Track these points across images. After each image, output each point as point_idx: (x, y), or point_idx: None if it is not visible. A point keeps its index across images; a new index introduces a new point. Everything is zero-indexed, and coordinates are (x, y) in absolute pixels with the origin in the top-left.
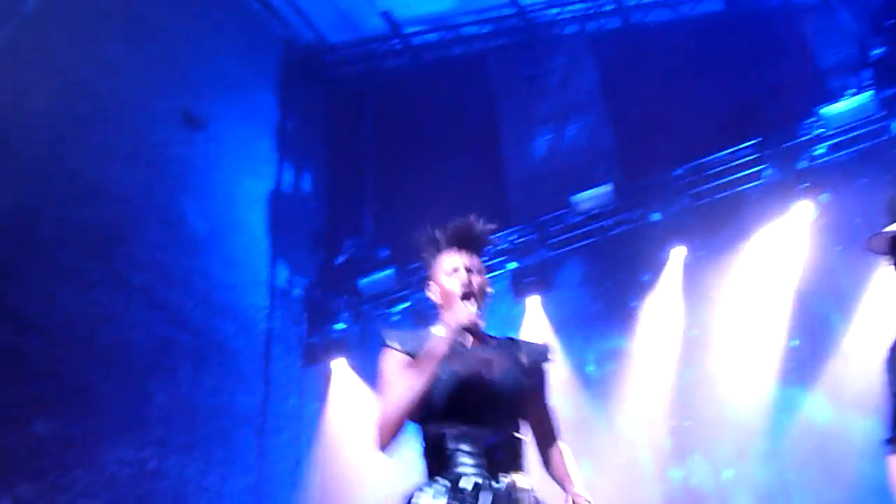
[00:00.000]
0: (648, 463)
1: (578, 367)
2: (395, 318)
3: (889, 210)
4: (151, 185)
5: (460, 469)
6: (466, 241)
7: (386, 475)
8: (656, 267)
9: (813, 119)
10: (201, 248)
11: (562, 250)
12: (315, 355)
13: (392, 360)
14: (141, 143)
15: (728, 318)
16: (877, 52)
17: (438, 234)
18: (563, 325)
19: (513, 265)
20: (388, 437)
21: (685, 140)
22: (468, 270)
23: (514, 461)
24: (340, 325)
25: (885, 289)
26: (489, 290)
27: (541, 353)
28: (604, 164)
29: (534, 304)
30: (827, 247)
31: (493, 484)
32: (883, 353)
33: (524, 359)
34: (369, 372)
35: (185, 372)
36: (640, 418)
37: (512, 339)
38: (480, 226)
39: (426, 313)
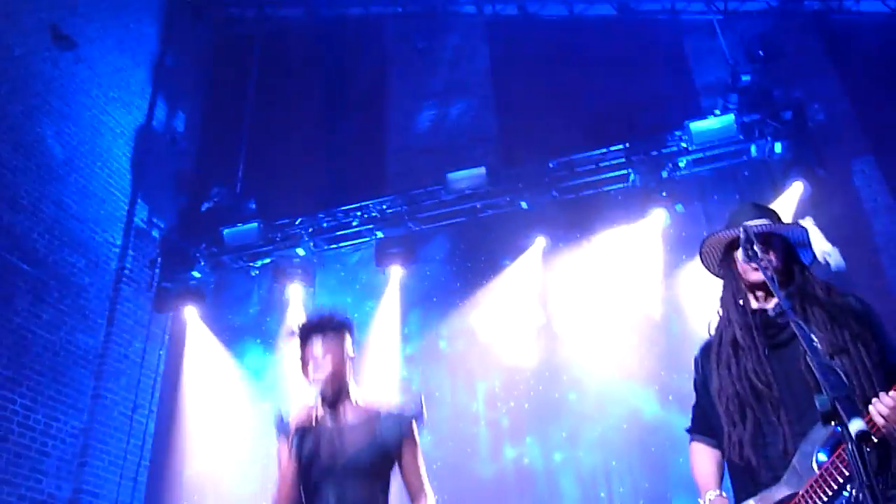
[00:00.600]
0: (486, 440)
1: (431, 341)
2: (255, 272)
3: (729, 224)
4: (8, 101)
5: None
6: (320, 330)
7: (223, 431)
8: (517, 253)
9: (681, 133)
10: (56, 176)
11: (430, 226)
12: (166, 301)
13: (279, 453)
14: (0, 53)
15: (577, 309)
16: (745, 78)
17: (298, 328)
18: (422, 298)
19: (379, 234)
20: None
21: (562, 134)
22: (319, 358)
23: None
24: (196, 274)
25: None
26: (348, 356)
27: (402, 428)
28: (482, 147)
29: (396, 275)
30: (673, 254)
31: None
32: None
33: (388, 433)
34: (220, 324)
35: (23, 303)
36: (483, 396)
37: (390, 416)
38: (324, 316)
39: (287, 270)
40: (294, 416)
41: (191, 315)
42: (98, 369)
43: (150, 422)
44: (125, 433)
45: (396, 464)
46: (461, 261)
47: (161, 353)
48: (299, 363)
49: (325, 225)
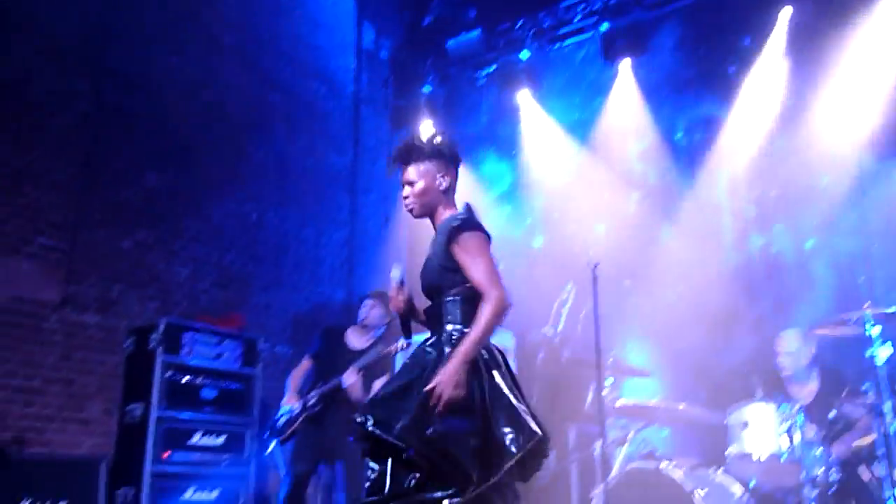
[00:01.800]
0: (730, 230)
1: (666, 134)
2: (482, 81)
3: None
4: None
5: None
6: (405, 157)
7: None
8: (760, 30)
9: None
10: (286, 10)
11: (659, 11)
12: (403, 118)
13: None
14: None
15: (831, 87)
16: None
17: (393, 154)
18: (654, 90)
19: (604, 26)
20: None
21: None
22: (408, 184)
23: (438, 321)
24: (426, 89)
25: None
26: (438, 183)
27: (442, 237)
28: None
29: (625, 69)
30: None
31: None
32: None
33: (434, 247)
34: (454, 134)
35: (279, 131)
36: (726, 186)
37: (447, 220)
38: (417, 140)
39: (512, 76)
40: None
41: (426, 128)
42: (351, 186)
43: (401, 230)
44: (380, 241)
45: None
46: (695, 46)
47: None
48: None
49: (546, 24)
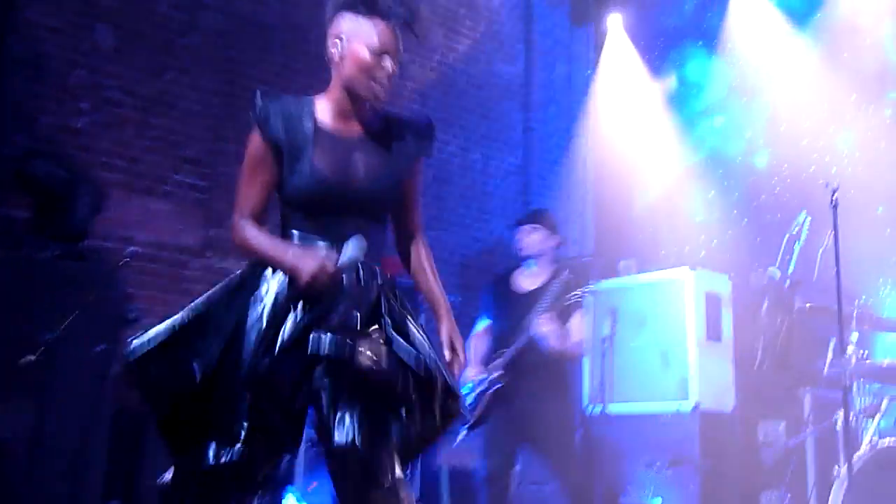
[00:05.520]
0: None
1: None
2: None
3: None
4: None
5: None
6: (409, 20)
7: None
8: None
9: None
10: None
11: None
12: (585, 11)
13: (251, 150)
14: None
15: None
16: None
17: None
18: None
19: None
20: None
21: None
22: (391, 56)
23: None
24: None
25: None
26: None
27: (421, 141)
28: None
29: None
30: None
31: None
32: None
33: (400, 147)
34: (651, 30)
35: (438, 38)
36: None
37: (396, 119)
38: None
39: None
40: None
41: (614, 23)
42: (525, 101)
43: (589, 152)
44: (561, 166)
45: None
46: None
47: (589, 73)
48: (348, 48)
49: None
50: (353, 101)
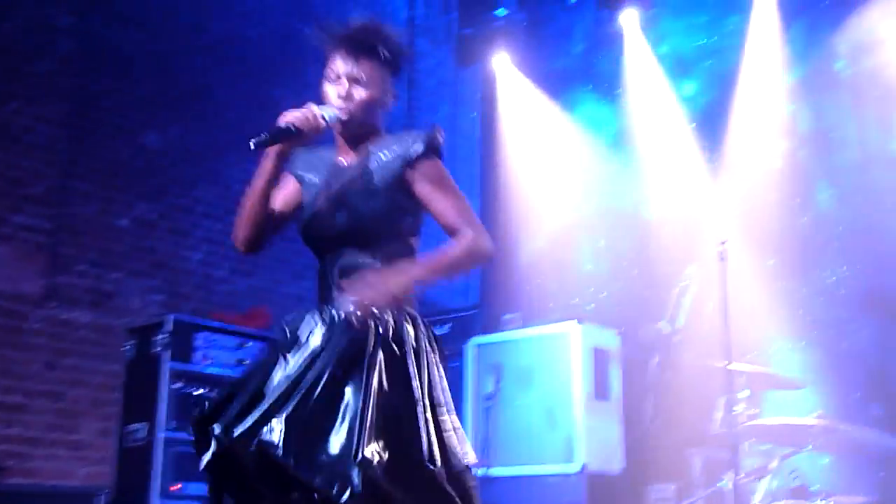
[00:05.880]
0: None
1: (823, 63)
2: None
3: None
4: None
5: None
6: (358, 47)
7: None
8: None
9: None
10: None
11: None
12: (471, 51)
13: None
14: None
15: None
16: None
17: (332, 31)
18: (808, 4)
19: None
20: (239, 234)
21: None
22: (353, 81)
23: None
24: (501, 11)
25: None
26: (388, 99)
27: (410, 146)
28: None
29: None
30: None
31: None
32: None
33: (386, 164)
34: (540, 71)
35: (312, 72)
36: None
37: (393, 137)
38: (380, 30)
39: None
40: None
41: (502, 64)
42: None
43: (474, 200)
44: None
45: (420, 207)
46: None
47: (474, 115)
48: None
49: None
50: (345, 132)
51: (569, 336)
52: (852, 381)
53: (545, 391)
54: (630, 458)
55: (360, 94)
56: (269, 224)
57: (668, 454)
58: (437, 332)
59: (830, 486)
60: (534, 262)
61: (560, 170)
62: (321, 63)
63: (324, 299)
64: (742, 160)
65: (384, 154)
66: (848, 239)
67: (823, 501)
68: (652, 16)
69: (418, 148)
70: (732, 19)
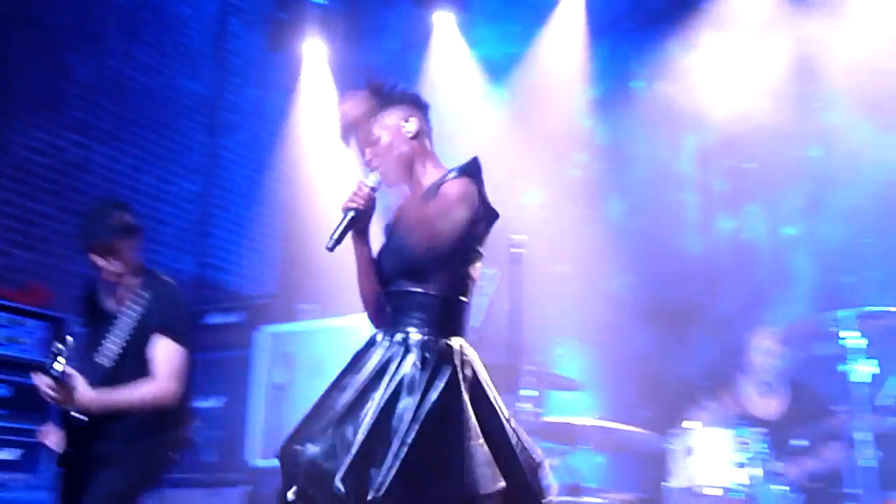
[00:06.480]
0: (694, 208)
1: (620, 80)
2: None
3: None
4: None
5: None
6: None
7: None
8: None
9: None
10: None
11: None
12: (284, 35)
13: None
14: None
15: (827, 33)
16: None
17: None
18: (611, 24)
19: None
20: (368, 314)
21: None
22: (370, 144)
23: (403, 316)
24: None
25: None
26: (404, 128)
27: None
28: None
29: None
30: None
31: (384, 338)
32: None
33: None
34: (352, 65)
35: (115, 42)
36: (693, 152)
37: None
38: (375, 87)
39: None
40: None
41: (313, 52)
42: (210, 123)
43: (278, 186)
44: (248, 198)
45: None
46: None
47: (281, 101)
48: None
49: None
50: (394, 183)
51: (362, 329)
52: (628, 385)
53: None
54: None
55: (377, 152)
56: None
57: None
58: (230, 319)
59: (603, 484)
60: (335, 253)
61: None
62: (121, 28)
63: (384, 325)
64: (540, 168)
65: (431, 188)
66: (635, 250)
67: (596, 498)
68: (468, 20)
69: (453, 174)
70: (539, 31)
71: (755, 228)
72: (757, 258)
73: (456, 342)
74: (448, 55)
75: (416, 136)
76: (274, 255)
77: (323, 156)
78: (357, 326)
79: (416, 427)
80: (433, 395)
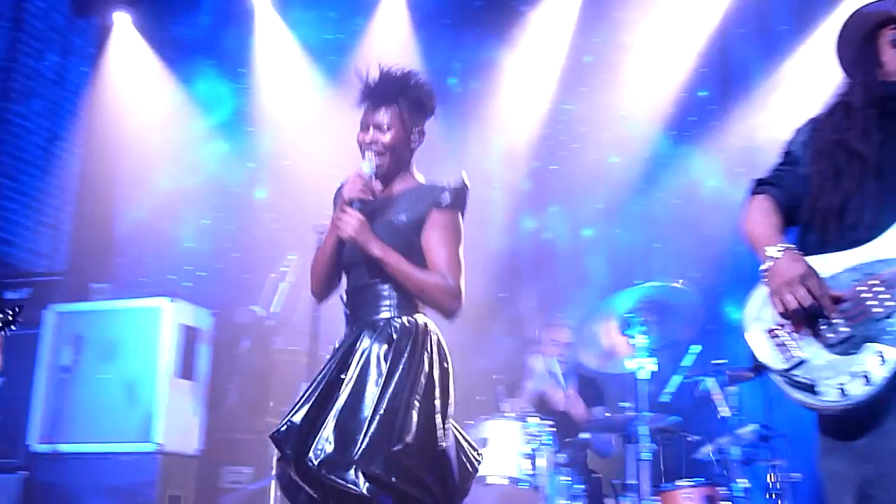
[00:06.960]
0: (500, 208)
1: (438, 77)
2: None
3: None
4: None
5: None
6: (380, 97)
7: (166, 175)
8: None
9: None
10: None
11: None
12: (89, 4)
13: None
14: None
15: (632, 47)
16: None
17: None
18: (429, 19)
19: None
20: (313, 289)
21: None
22: (378, 128)
23: (367, 304)
24: None
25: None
26: (413, 140)
27: (435, 197)
28: None
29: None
30: None
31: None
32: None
33: (413, 206)
34: (161, 37)
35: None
36: (501, 151)
37: (426, 185)
38: (401, 78)
39: None
40: (348, 185)
41: (121, 22)
42: (3, 87)
43: (73, 158)
44: (40, 169)
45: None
46: None
47: (85, 70)
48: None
49: None
50: (378, 173)
51: (159, 312)
52: None
53: (129, 367)
54: (210, 440)
55: (384, 139)
56: (336, 279)
57: (252, 438)
58: (14, 296)
59: None
60: (132, 233)
61: (169, 141)
62: None
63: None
64: (353, 157)
65: (413, 196)
66: None
67: None
68: (284, 3)
69: (446, 199)
70: (359, 20)
71: (556, 228)
72: (556, 257)
73: (420, 318)
74: (266, 35)
75: (413, 152)
76: (65, 230)
77: (123, 130)
78: (150, 308)
79: (387, 396)
80: (403, 365)
